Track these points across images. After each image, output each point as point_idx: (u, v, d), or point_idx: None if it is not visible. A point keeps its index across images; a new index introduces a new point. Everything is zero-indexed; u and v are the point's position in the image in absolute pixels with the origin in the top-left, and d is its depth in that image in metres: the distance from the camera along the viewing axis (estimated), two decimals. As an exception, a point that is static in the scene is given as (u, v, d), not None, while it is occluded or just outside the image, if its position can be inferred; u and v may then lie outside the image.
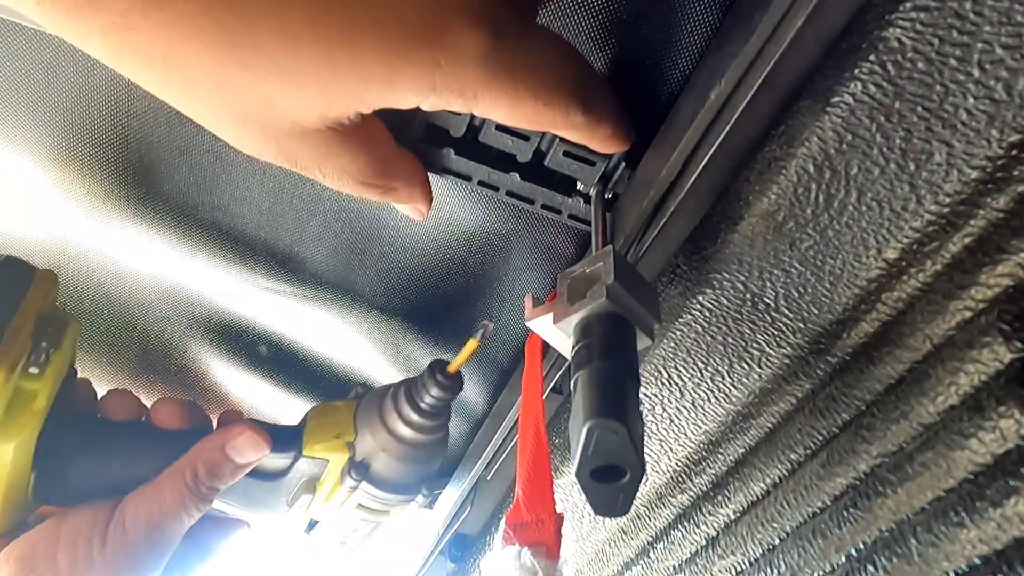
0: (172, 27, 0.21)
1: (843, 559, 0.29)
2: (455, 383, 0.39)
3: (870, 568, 0.27)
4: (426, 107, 0.25)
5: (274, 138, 0.25)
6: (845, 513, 0.28)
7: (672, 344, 0.34)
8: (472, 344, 0.37)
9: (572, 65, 0.28)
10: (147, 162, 0.40)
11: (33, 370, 0.35)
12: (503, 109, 0.26)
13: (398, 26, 0.23)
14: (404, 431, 0.40)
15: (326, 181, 0.28)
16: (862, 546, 0.28)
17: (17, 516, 0.39)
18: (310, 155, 0.26)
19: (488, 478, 0.48)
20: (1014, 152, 0.22)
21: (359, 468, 0.40)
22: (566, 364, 0.39)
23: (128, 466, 0.39)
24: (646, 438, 0.39)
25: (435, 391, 0.39)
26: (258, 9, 0.22)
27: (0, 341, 0.33)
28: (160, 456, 0.39)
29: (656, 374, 0.36)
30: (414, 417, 0.39)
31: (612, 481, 0.23)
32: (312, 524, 0.44)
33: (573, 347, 0.26)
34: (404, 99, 0.24)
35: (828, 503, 0.30)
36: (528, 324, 0.28)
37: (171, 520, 0.38)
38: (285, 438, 0.42)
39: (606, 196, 0.33)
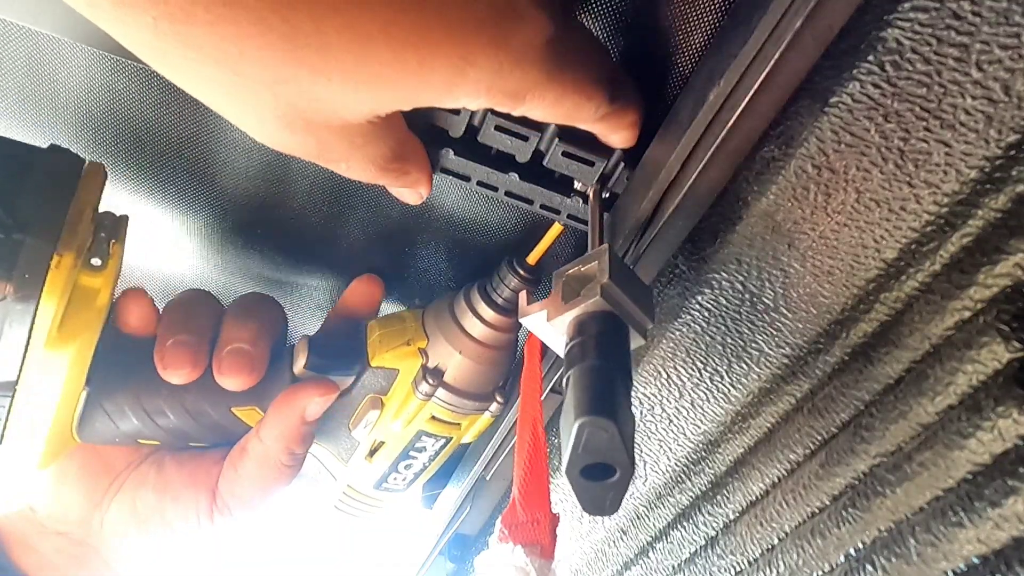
0: (235, 22, 0.20)
1: (842, 559, 0.29)
2: (535, 275, 0.37)
3: (869, 568, 0.27)
4: (471, 107, 0.25)
5: (314, 133, 0.25)
6: (844, 513, 0.29)
7: (671, 344, 0.34)
8: (557, 228, 0.35)
9: (604, 56, 0.28)
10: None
11: (95, 261, 0.32)
12: (547, 108, 0.26)
13: (467, 28, 0.22)
14: (481, 330, 0.38)
15: (349, 171, 0.27)
16: (861, 546, 0.28)
17: (59, 449, 0.37)
18: (344, 148, 0.26)
19: (487, 478, 0.48)
20: (1012, 152, 0.22)
21: (434, 374, 0.38)
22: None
23: (182, 415, 0.38)
24: (645, 438, 0.39)
25: (515, 284, 0.37)
26: (330, 7, 0.21)
27: (63, 227, 0.30)
28: (222, 404, 0.38)
29: (655, 374, 0.36)
30: (491, 315, 0.38)
31: (602, 479, 0.23)
32: (375, 449, 0.42)
33: (566, 345, 0.26)
34: (456, 101, 0.24)
35: (827, 503, 0.30)
36: (522, 321, 0.28)
37: (278, 494, 0.41)
38: (345, 354, 0.40)
39: (604, 196, 0.33)
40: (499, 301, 0.38)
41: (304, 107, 0.23)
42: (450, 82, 0.23)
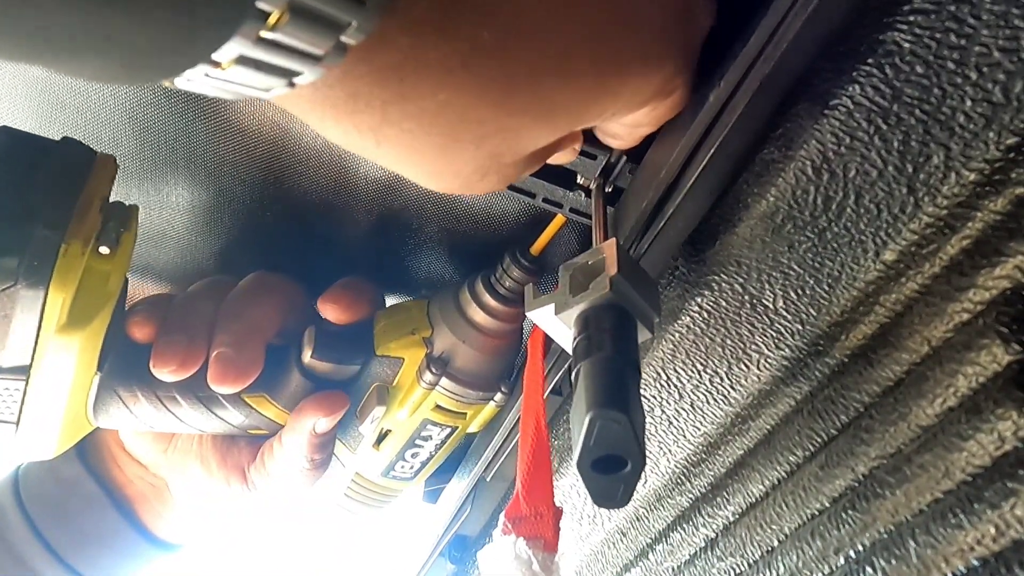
0: (461, 89, 0.20)
1: (841, 561, 0.29)
2: (538, 265, 0.38)
3: (868, 570, 0.27)
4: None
5: (500, 172, 0.24)
6: (843, 515, 0.29)
7: (671, 346, 0.34)
8: (559, 219, 0.35)
9: None
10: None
11: (104, 250, 0.33)
12: (673, 106, 0.27)
13: (655, 38, 0.23)
14: (484, 320, 0.38)
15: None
16: (861, 548, 0.28)
17: (75, 433, 0.38)
18: (512, 175, 0.25)
19: (488, 479, 0.48)
20: (1011, 155, 0.22)
21: (438, 363, 0.39)
22: (566, 365, 0.39)
23: (194, 402, 0.38)
24: (645, 440, 0.39)
25: (517, 274, 0.37)
26: (544, 59, 0.21)
27: (71, 216, 0.31)
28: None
29: (655, 376, 0.36)
30: (494, 305, 0.38)
31: (613, 472, 0.23)
32: (382, 437, 0.42)
33: (575, 338, 0.26)
34: (634, 109, 0.26)
35: (827, 505, 0.30)
36: (528, 314, 0.28)
37: (307, 489, 0.43)
38: (353, 343, 0.40)
39: (607, 190, 0.33)
40: (502, 291, 0.38)
41: (502, 152, 0.23)
42: (636, 90, 0.24)
